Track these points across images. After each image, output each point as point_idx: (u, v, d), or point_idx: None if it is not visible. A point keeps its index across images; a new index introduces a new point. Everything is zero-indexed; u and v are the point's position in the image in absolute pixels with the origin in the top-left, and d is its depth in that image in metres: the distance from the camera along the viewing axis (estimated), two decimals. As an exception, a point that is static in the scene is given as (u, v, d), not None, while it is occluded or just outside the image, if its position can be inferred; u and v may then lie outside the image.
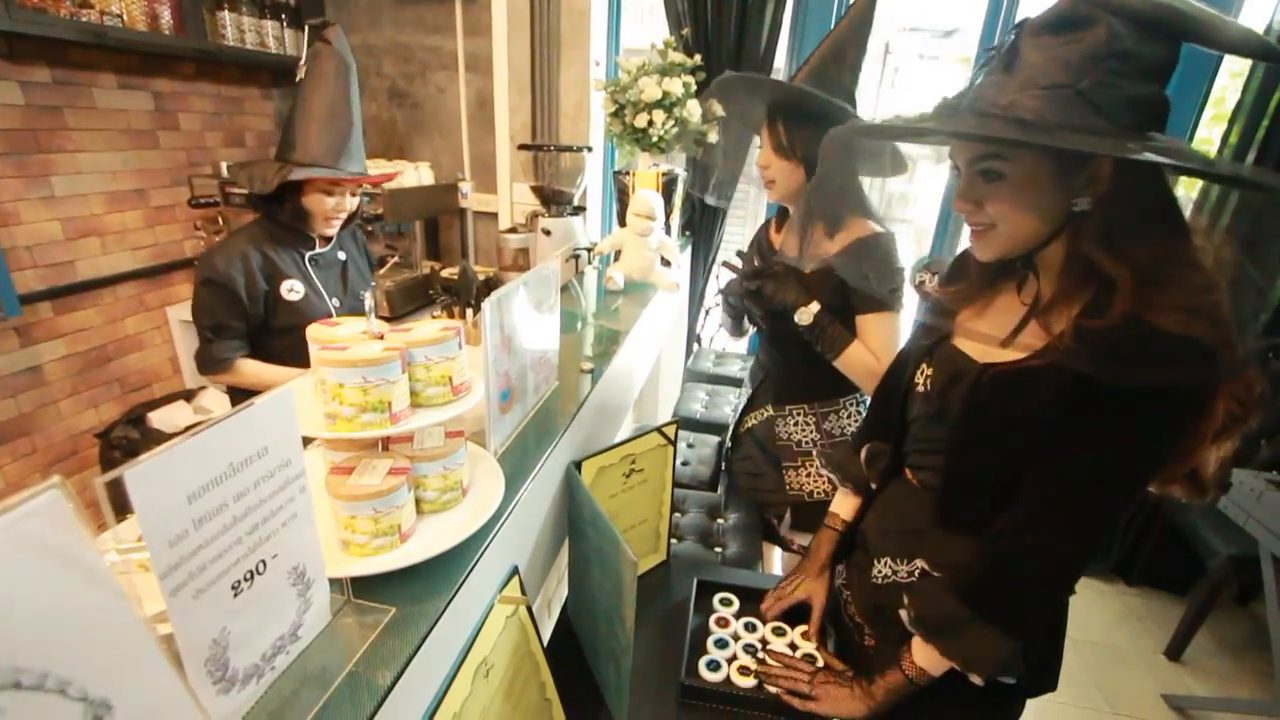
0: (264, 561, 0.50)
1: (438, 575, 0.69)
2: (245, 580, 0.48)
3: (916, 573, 0.90)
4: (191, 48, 2.21)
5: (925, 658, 0.84)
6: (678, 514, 1.59)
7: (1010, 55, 0.68)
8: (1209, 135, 2.39)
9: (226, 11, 2.30)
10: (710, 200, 2.38)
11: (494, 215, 2.80)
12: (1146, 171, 0.66)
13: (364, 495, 0.64)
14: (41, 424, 2.06)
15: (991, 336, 0.81)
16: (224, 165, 2.30)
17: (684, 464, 1.86)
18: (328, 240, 1.58)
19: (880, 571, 0.95)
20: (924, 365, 0.92)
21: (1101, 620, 2.37)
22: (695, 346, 2.95)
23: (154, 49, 2.14)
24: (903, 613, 0.85)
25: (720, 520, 1.59)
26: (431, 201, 2.68)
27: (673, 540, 1.50)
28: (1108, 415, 0.70)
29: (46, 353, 2.04)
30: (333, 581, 0.63)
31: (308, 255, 1.52)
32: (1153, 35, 0.63)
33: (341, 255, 1.62)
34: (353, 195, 1.51)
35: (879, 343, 1.28)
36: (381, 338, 0.71)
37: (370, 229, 2.35)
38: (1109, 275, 0.68)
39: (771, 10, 2.26)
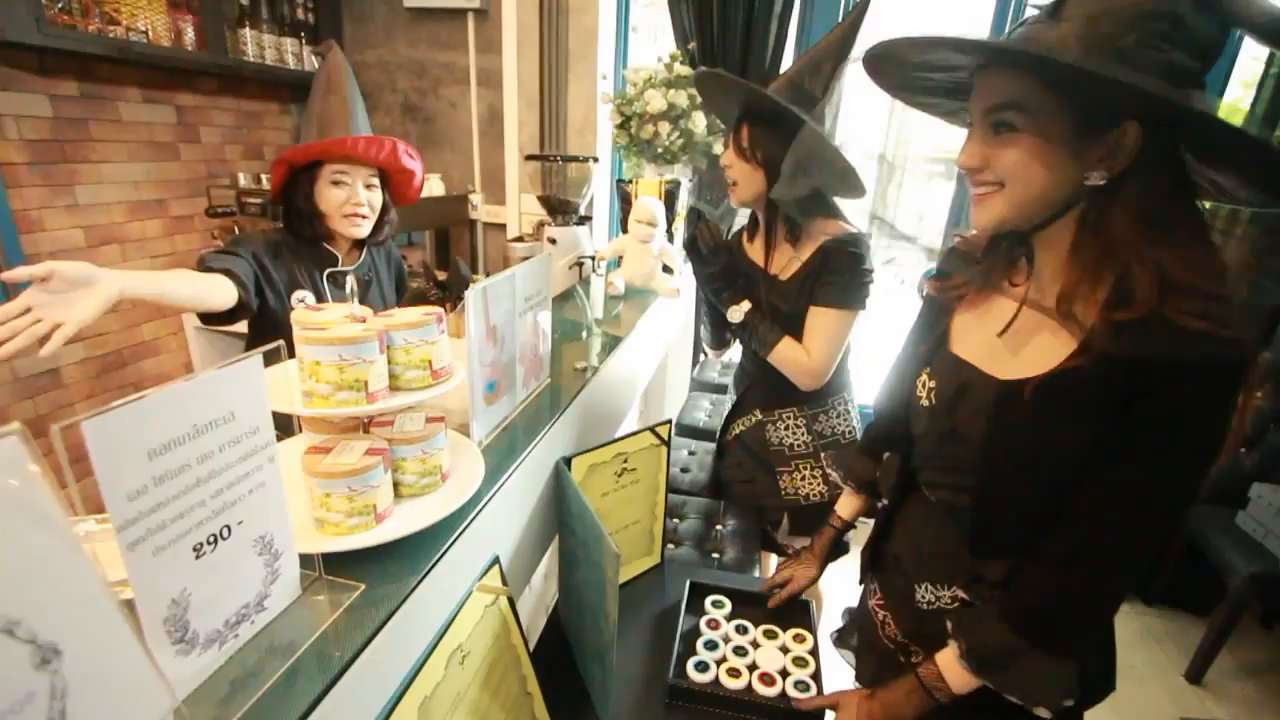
0: (228, 527, 0.51)
1: (414, 556, 0.69)
2: (208, 543, 0.49)
3: (957, 601, 0.86)
4: (213, 63, 2.29)
5: (956, 678, 0.80)
6: (676, 519, 1.58)
7: (1058, 3, 0.64)
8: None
9: (248, 29, 2.39)
10: (707, 208, 2.38)
11: (503, 226, 2.84)
12: (1168, 150, 0.63)
13: (339, 473, 0.65)
14: (58, 425, 2.11)
15: (994, 341, 0.77)
16: (241, 177, 2.37)
17: (684, 470, 1.85)
18: (358, 254, 1.46)
19: (924, 597, 0.90)
20: (924, 375, 0.88)
21: (1119, 640, 2.28)
22: (701, 356, 2.95)
23: (177, 64, 2.22)
24: (952, 644, 0.80)
25: (719, 527, 1.57)
26: (442, 212, 2.72)
27: (670, 545, 1.48)
28: (1162, 417, 0.65)
29: (65, 355, 2.09)
30: (307, 558, 0.63)
31: (326, 272, 1.41)
32: (1209, 11, 0.59)
33: (365, 275, 1.48)
34: (368, 188, 1.36)
35: (818, 337, 1.29)
36: (363, 321, 0.72)
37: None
38: (1125, 263, 0.64)
39: (776, 24, 2.29)
